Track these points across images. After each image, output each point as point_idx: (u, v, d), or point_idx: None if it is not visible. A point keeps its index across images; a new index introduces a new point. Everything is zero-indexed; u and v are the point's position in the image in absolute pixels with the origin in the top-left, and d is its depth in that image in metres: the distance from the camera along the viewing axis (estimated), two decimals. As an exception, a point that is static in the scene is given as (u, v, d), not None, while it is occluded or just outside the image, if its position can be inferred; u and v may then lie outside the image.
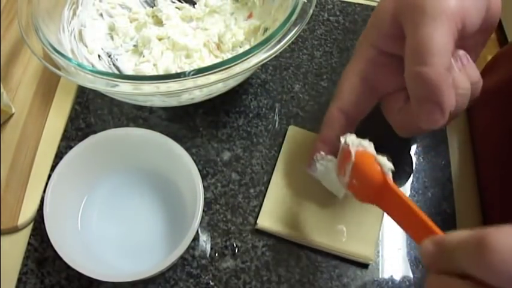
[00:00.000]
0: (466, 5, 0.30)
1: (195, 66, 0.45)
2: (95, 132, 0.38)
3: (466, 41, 0.33)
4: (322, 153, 0.37)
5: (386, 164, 0.32)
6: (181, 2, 0.50)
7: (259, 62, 0.36)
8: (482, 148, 0.46)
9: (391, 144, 0.43)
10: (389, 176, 0.32)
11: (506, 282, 0.22)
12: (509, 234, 0.22)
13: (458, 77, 0.32)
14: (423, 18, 0.29)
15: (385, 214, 0.40)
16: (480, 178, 0.44)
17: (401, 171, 0.44)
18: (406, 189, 0.43)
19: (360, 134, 0.38)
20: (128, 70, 0.45)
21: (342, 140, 0.35)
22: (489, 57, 0.53)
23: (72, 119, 0.45)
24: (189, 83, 0.34)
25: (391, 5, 0.32)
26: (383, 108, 0.37)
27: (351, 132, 0.35)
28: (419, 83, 0.29)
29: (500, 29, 1.46)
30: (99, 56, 0.45)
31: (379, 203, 0.33)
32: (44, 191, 0.36)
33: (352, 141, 0.34)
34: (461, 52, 0.33)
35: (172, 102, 0.42)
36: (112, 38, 0.47)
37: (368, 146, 0.33)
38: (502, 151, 0.43)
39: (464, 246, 0.24)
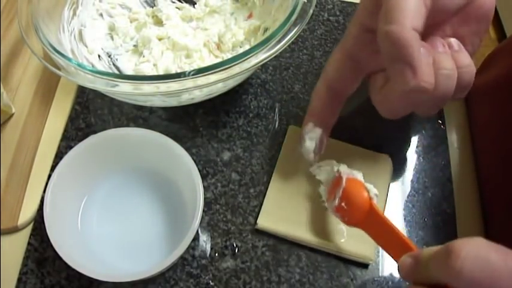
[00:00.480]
0: None
1: (195, 66, 0.45)
2: (95, 132, 0.38)
3: (458, 27, 0.34)
4: (311, 124, 0.38)
5: (373, 189, 0.36)
6: (181, 2, 0.50)
7: (259, 62, 0.36)
8: (481, 144, 0.46)
9: (391, 145, 0.43)
10: (375, 200, 0.36)
11: (469, 286, 0.25)
12: (475, 245, 0.25)
13: (440, 56, 0.32)
14: None
15: (385, 213, 0.41)
16: (480, 177, 0.44)
17: (402, 171, 0.44)
18: (406, 189, 0.43)
19: (361, 134, 0.38)
20: (128, 70, 0.45)
21: (335, 168, 0.38)
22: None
23: (72, 119, 0.45)
24: (189, 83, 0.34)
25: None
26: (369, 88, 0.37)
27: (338, 108, 0.38)
28: (388, 41, 0.29)
29: (499, 27, 1.46)
30: (99, 56, 0.45)
31: (363, 225, 0.36)
32: (44, 191, 0.36)
33: (344, 170, 0.37)
34: (452, 39, 0.34)
35: (172, 102, 0.42)
36: (112, 38, 0.47)
37: (357, 174, 0.37)
38: (502, 147, 0.43)
39: (435, 256, 0.27)
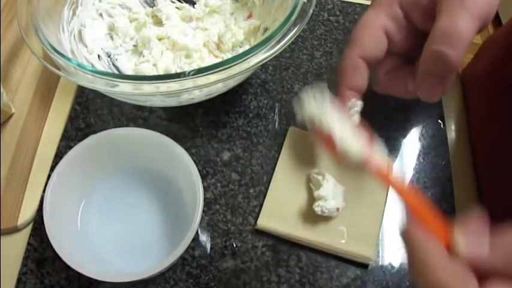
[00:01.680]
0: (494, 4, 0.33)
1: (195, 66, 0.45)
2: (94, 132, 0.38)
3: None
4: (353, 99, 0.37)
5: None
6: (181, 2, 0.50)
7: (259, 62, 0.35)
8: (479, 143, 0.46)
9: (392, 145, 0.43)
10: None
11: None
12: None
13: None
14: (461, 11, 0.32)
15: (385, 214, 0.41)
16: (480, 177, 0.44)
17: (402, 171, 0.44)
18: (406, 189, 0.43)
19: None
20: (128, 70, 0.45)
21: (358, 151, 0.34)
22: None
23: (71, 119, 0.45)
24: (189, 83, 0.34)
25: None
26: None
27: (367, 76, 0.37)
28: (439, 61, 0.32)
29: (497, 20, 1.45)
30: (98, 56, 0.45)
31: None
32: (44, 191, 0.36)
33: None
34: None
35: (172, 102, 0.42)
36: (112, 38, 0.47)
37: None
38: (500, 145, 0.43)
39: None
